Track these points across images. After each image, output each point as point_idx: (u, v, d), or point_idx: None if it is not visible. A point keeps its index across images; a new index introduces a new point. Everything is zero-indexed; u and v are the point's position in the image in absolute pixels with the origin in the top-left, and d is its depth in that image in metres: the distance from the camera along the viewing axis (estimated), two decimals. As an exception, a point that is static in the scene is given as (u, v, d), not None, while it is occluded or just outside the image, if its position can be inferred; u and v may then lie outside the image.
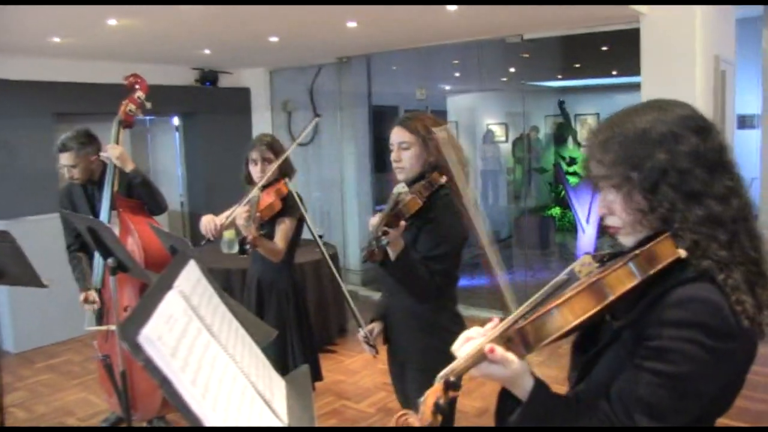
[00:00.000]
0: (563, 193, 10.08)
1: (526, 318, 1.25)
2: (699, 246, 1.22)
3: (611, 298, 1.21)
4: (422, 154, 2.54)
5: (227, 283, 5.21)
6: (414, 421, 1.21)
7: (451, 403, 1.25)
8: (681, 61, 5.03)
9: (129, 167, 3.65)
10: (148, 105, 3.76)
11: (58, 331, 5.90)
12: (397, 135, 2.58)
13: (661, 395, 1.19)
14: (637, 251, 1.23)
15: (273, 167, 3.31)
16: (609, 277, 1.22)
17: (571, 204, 8.32)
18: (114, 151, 3.63)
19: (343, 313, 6.02)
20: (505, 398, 1.32)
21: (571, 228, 9.85)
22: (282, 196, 3.30)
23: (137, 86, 3.73)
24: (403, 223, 2.35)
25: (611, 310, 1.32)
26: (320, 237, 6.08)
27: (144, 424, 3.86)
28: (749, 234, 1.27)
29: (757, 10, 9.18)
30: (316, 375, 3.56)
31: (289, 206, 3.34)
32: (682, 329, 1.17)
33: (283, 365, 3.27)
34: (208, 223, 3.17)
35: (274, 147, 3.38)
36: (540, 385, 1.28)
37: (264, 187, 3.28)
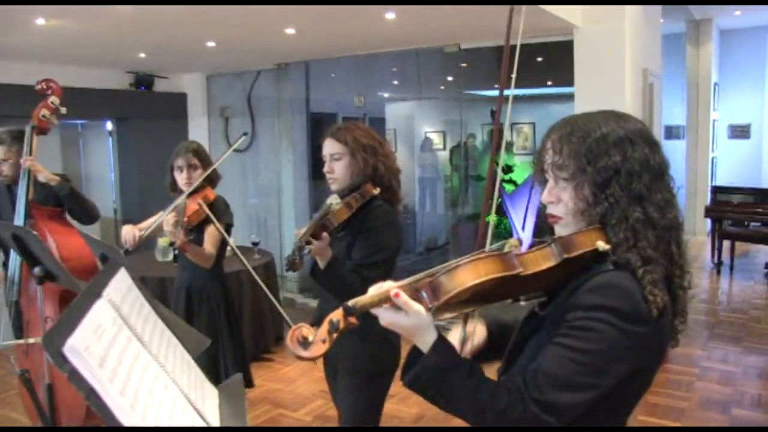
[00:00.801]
0: (500, 200, 10.22)
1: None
2: (628, 241, 1.32)
3: (519, 270, 1.29)
4: (353, 164, 2.57)
5: (161, 291, 5.10)
6: (308, 333, 1.24)
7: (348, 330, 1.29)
8: (612, 74, 5.18)
9: (52, 181, 3.55)
10: (63, 110, 3.62)
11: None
12: (329, 146, 2.61)
13: (568, 368, 1.26)
14: (559, 236, 1.37)
15: (199, 175, 3.32)
16: (527, 255, 1.32)
17: (507, 211, 8.43)
18: (36, 166, 3.52)
19: (279, 321, 5.97)
20: (412, 356, 1.37)
21: (507, 234, 10.00)
22: (209, 202, 3.29)
23: (50, 91, 3.60)
24: (325, 234, 2.39)
25: (529, 289, 1.45)
26: (256, 244, 6.07)
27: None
28: (678, 244, 1.38)
29: (681, 27, 9.54)
30: (248, 382, 3.53)
31: (216, 212, 3.33)
32: (595, 311, 1.27)
33: (214, 374, 3.23)
34: (127, 233, 3.14)
35: (199, 154, 3.39)
36: (442, 341, 1.34)
37: (190, 194, 3.28)
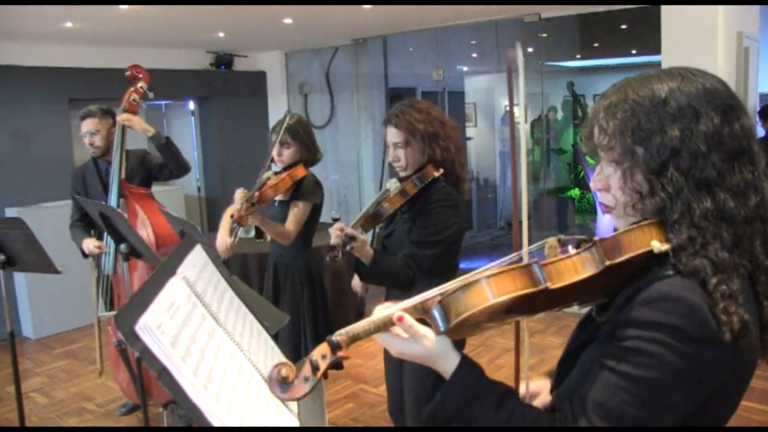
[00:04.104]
0: (582, 174, 9.96)
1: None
2: (695, 242, 1.05)
3: (545, 285, 1.08)
4: (418, 148, 2.53)
5: (244, 268, 5.18)
6: (288, 373, 1.10)
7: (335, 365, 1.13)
8: (703, 38, 4.90)
9: (150, 132, 3.77)
10: (151, 95, 3.85)
11: (76, 317, 5.91)
12: (390, 134, 2.57)
13: (621, 399, 1.05)
14: (600, 237, 1.10)
15: (291, 152, 3.29)
16: (559, 264, 1.11)
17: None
18: (133, 118, 3.72)
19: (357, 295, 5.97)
20: (434, 385, 1.18)
21: (590, 209, 9.75)
22: (295, 179, 3.25)
23: (140, 75, 3.82)
24: (362, 237, 2.39)
25: (570, 300, 1.20)
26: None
27: (160, 409, 3.87)
28: (765, 238, 1.10)
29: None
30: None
31: (304, 190, 3.30)
32: (648, 330, 1.03)
33: (297, 351, 3.24)
34: (220, 244, 3.11)
35: (293, 130, 3.28)
36: (465, 366, 1.14)
37: (284, 170, 3.27)
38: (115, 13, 4.84)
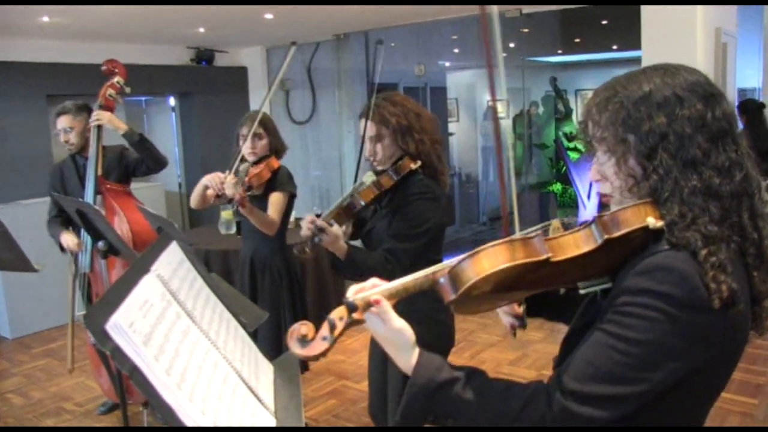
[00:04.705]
0: (564, 168, 10.00)
1: None
2: (685, 218, 1.12)
3: (546, 256, 1.14)
4: (391, 141, 2.48)
5: (225, 264, 5.14)
6: (308, 331, 1.17)
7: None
8: (682, 35, 4.93)
9: (122, 129, 3.66)
10: (128, 90, 3.79)
11: (55, 316, 5.85)
12: (366, 129, 2.50)
13: (610, 357, 1.09)
14: (600, 214, 1.18)
15: (264, 144, 3.36)
16: (560, 239, 1.17)
17: (572, 179, 8.22)
18: (103, 115, 3.63)
19: (342, 292, 5.95)
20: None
21: (572, 204, 9.79)
22: (272, 169, 3.32)
23: (116, 70, 3.76)
24: (336, 228, 2.32)
25: (572, 277, 1.26)
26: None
27: (140, 408, 3.83)
28: (751, 212, 1.16)
29: (759, -20, 9.01)
30: (303, 364, 3.53)
31: (279, 181, 3.35)
32: (641, 296, 1.08)
33: (277, 346, 3.24)
34: (214, 177, 3.06)
35: (265, 123, 3.36)
36: (427, 356, 1.21)
37: (255, 163, 3.32)
38: (94, 7, 4.78)
